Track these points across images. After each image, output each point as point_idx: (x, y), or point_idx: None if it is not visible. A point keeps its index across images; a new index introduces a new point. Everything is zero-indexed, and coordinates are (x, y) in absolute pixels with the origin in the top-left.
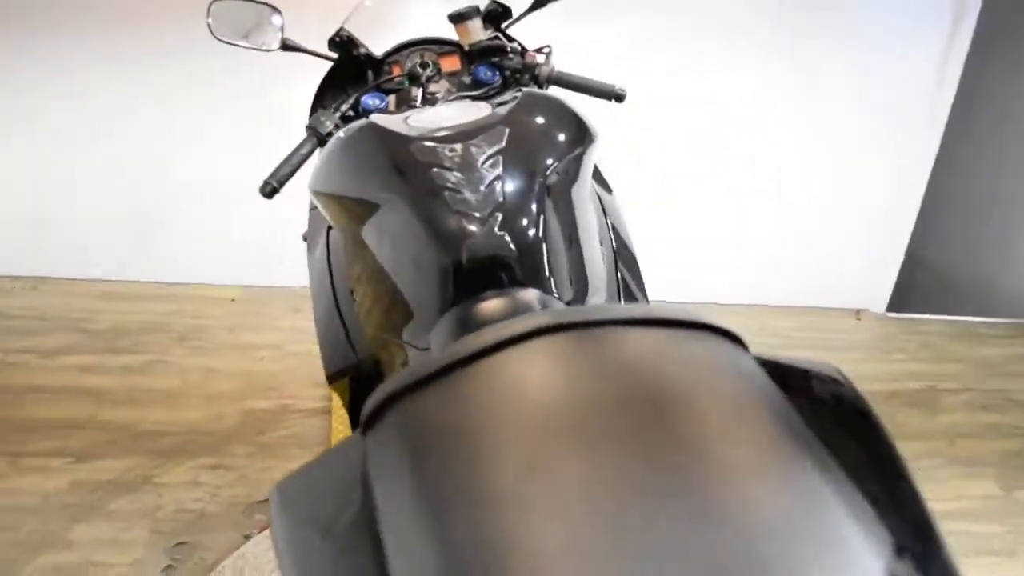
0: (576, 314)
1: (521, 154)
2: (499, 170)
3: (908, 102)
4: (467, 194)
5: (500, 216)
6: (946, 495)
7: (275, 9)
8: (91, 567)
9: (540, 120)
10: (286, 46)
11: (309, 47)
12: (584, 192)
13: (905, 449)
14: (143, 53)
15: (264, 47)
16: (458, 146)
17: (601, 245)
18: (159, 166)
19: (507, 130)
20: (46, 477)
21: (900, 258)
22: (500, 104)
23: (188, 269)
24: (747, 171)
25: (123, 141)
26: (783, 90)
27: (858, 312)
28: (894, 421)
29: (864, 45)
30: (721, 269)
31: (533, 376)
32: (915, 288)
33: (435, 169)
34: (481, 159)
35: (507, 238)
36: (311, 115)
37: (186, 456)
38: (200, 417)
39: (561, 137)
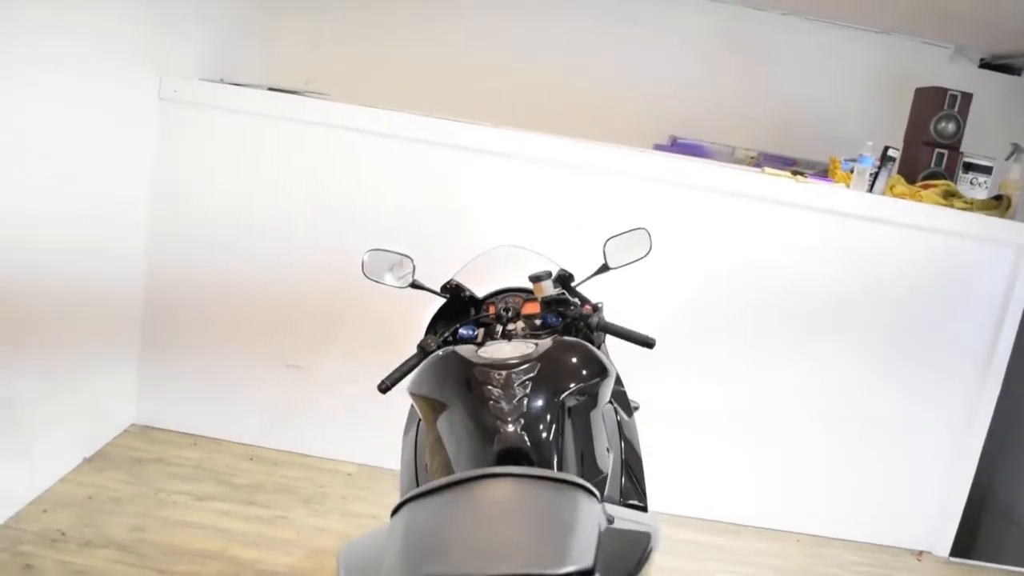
0: (508, 470)
1: (545, 381)
2: (527, 390)
3: (975, 330)
4: (503, 404)
5: (523, 422)
6: None
7: (409, 258)
8: None
9: (565, 358)
10: (414, 285)
11: (430, 287)
12: (597, 411)
13: None
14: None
15: (399, 285)
16: (503, 372)
17: (609, 452)
18: (311, 359)
19: (539, 364)
20: None
21: (963, 498)
22: (542, 345)
23: (319, 444)
24: (811, 404)
25: (283, 339)
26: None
27: (920, 554)
28: None
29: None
30: (783, 496)
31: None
32: (982, 533)
33: (486, 387)
34: (517, 383)
35: (526, 437)
36: (424, 337)
37: None
38: (306, 566)
39: (580, 371)
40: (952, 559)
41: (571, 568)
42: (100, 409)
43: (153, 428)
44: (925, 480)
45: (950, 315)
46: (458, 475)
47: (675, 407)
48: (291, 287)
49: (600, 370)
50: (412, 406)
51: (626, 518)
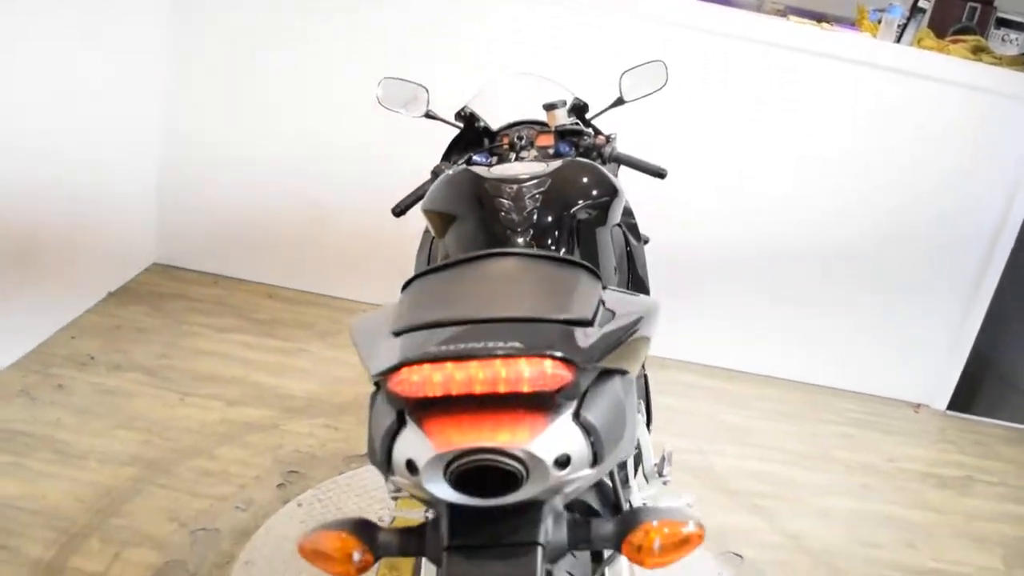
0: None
1: (556, 196)
2: (537, 203)
3: (993, 191)
4: (513, 216)
5: (532, 232)
6: (946, 557)
7: (424, 88)
8: (227, 474)
9: (576, 176)
10: (429, 115)
11: (444, 117)
12: (606, 230)
13: (917, 519)
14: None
15: (413, 115)
16: (515, 186)
17: (616, 273)
18: (332, 200)
19: (550, 180)
20: (204, 412)
21: (965, 357)
22: (553, 164)
23: (337, 285)
24: (824, 260)
25: (307, 174)
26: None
27: (917, 406)
28: (917, 495)
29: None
30: (780, 344)
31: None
32: (980, 391)
33: (497, 199)
34: (527, 196)
35: (534, 245)
36: (437, 164)
37: (307, 416)
38: (323, 391)
39: (590, 188)
40: (949, 412)
41: (570, 316)
42: (122, 248)
43: (174, 267)
44: (928, 336)
45: (969, 174)
46: (466, 255)
47: (680, 254)
48: (313, 126)
49: (610, 189)
50: (426, 229)
51: (627, 299)
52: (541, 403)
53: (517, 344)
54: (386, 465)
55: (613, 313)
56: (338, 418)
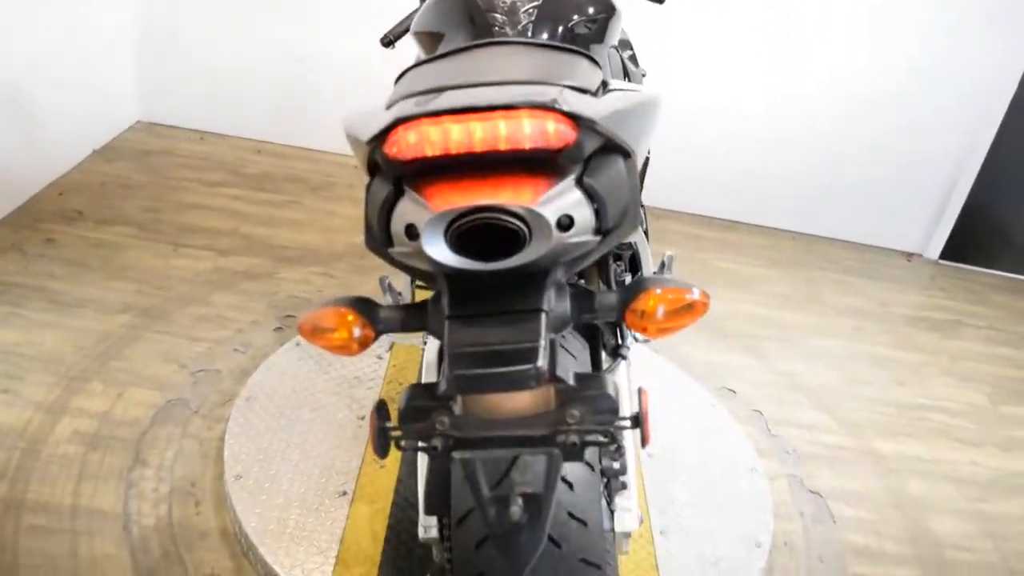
0: (513, 39)
1: (551, 11)
2: (532, 18)
3: (984, 47)
4: (507, 30)
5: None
6: (933, 394)
7: None
8: (223, 319)
9: None
10: None
11: None
12: (602, 48)
13: (906, 359)
14: None
15: None
16: (508, 1)
17: None
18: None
19: None
20: (197, 262)
21: (959, 207)
22: None
23: (326, 139)
24: (813, 103)
25: (287, 23)
26: (855, 18)
27: (910, 255)
28: (908, 338)
29: None
30: (778, 195)
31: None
32: (973, 242)
33: (489, 14)
34: (521, 10)
35: None
36: None
37: (302, 264)
38: (317, 241)
39: (586, 6)
40: (941, 261)
41: (572, 83)
42: (103, 106)
43: (158, 125)
44: (922, 187)
45: (970, 30)
46: (464, 45)
47: (683, 108)
48: None
49: (608, 7)
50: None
51: (629, 85)
52: (544, 165)
53: (519, 97)
54: (384, 236)
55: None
56: (333, 265)
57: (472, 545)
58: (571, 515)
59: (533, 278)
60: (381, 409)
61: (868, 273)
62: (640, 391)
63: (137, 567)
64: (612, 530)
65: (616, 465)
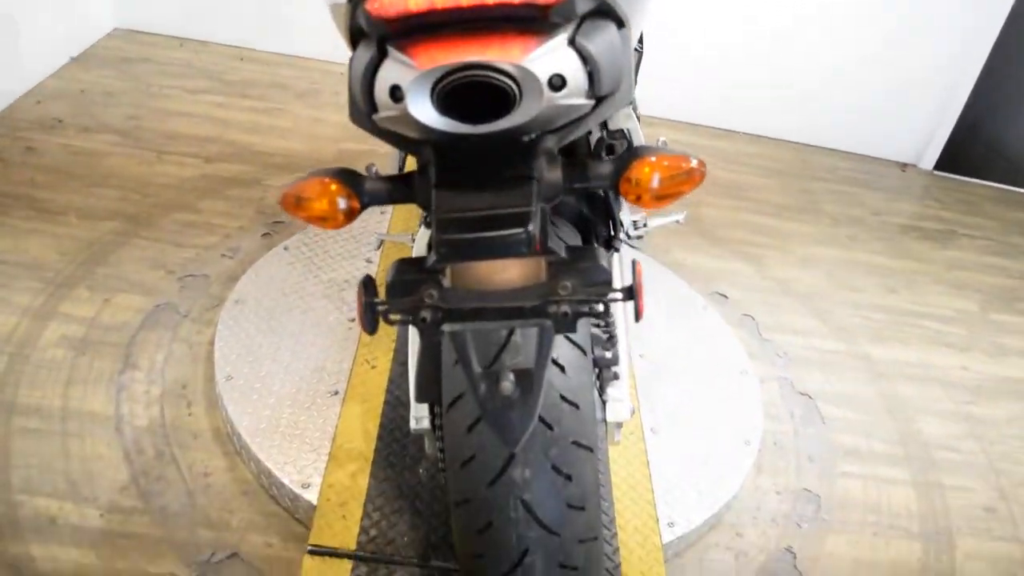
0: None
1: None
2: None
3: None
4: None
5: None
6: (924, 302)
7: None
8: (211, 226)
9: None
10: None
11: None
12: None
13: (899, 267)
14: None
15: None
16: None
17: None
18: None
19: None
20: (182, 169)
21: (955, 118)
22: None
23: (311, 46)
24: (812, 12)
25: None
26: None
27: (904, 165)
28: (902, 247)
29: None
30: (774, 105)
31: None
32: (967, 154)
33: None
34: None
35: None
36: None
37: (289, 170)
38: (304, 148)
39: None
40: (936, 172)
41: None
42: (79, 13)
43: (137, 31)
44: (918, 98)
45: None
46: None
47: (674, 5)
48: None
49: None
50: None
51: None
52: (534, 23)
53: None
54: (368, 103)
55: None
56: None
57: (464, 428)
58: (563, 398)
59: (523, 144)
60: (368, 284)
61: (863, 183)
62: (634, 263)
63: (131, 466)
64: (604, 420)
65: (608, 355)
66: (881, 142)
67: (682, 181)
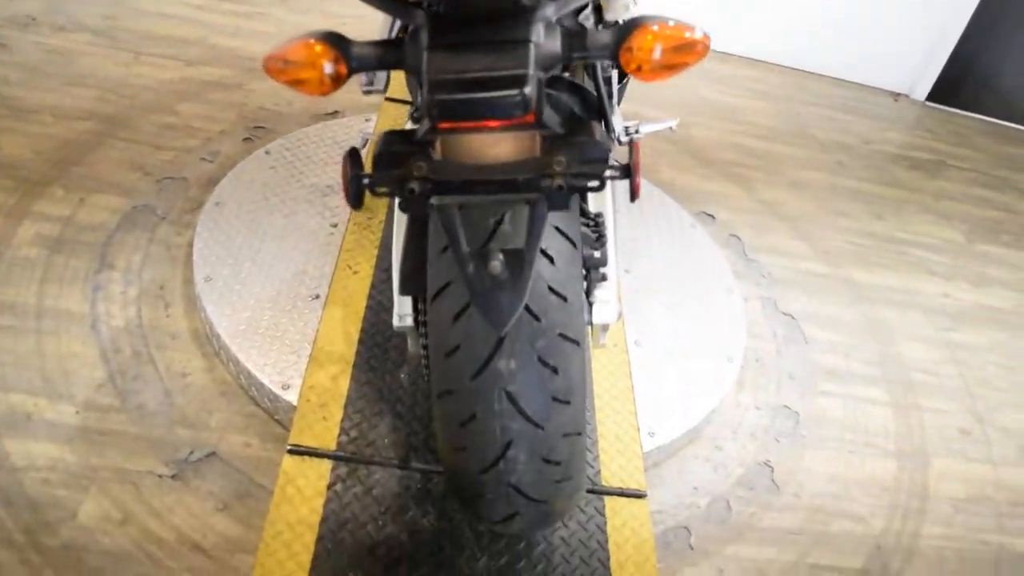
0: None
1: None
2: None
3: None
4: None
5: None
6: (911, 229)
7: None
8: (190, 129)
9: None
10: None
11: None
12: None
13: (887, 195)
14: None
15: None
16: None
17: None
18: None
19: None
20: (161, 71)
21: (949, 50)
22: None
23: None
24: None
25: None
26: None
27: (897, 95)
28: (889, 174)
29: None
30: (770, 29)
31: None
32: (960, 86)
33: None
34: None
35: None
36: None
37: None
38: None
39: None
40: (928, 103)
41: None
42: None
43: None
44: (913, 29)
45: None
46: None
47: None
48: None
49: None
50: None
51: None
52: None
53: None
54: None
55: None
56: None
57: (450, 318)
58: (551, 289)
59: (521, 9)
60: (354, 156)
61: (855, 110)
62: (632, 141)
63: (107, 365)
64: (591, 322)
65: (597, 254)
66: (875, 71)
67: (685, 52)
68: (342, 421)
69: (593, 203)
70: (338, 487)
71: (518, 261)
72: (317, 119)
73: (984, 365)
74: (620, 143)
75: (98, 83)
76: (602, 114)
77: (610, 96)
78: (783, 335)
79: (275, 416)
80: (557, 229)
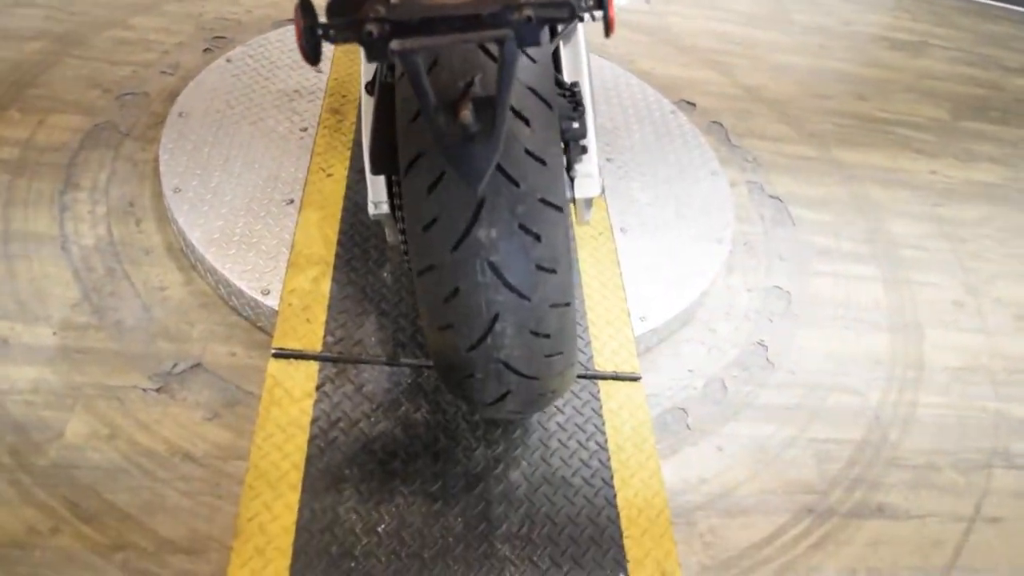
0: None
1: None
2: None
3: None
4: None
5: None
6: (895, 109)
7: None
8: (147, 43)
9: None
10: None
11: None
12: None
13: (869, 76)
14: None
15: None
16: None
17: None
18: None
19: None
20: None
21: None
22: None
23: None
24: None
25: None
26: None
27: None
28: (873, 56)
29: None
30: None
31: None
32: None
33: None
34: None
35: None
36: None
37: None
38: None
39: None
40: None
41: None
42: None
43: None
44: None
45: None
46: None
47: None
48: None
49: None
50: None
51: None
52: None
53: None
54: None
55: None
56: None
57: (424, 189)
58: (528, 152)
59: None
60: (306, 6)
61: None
62: None
63: (81, 284)
64: (573, 198)
65: (575, 125)
66: None
67: None
68: (326, 322)
69: (568, 73)
70: (327, 387)
71: (490, 110)
72: (278, 25)
73: (977, 238)
74: (593, 19)
75: (45, 1)
76: None
77: None
78: (771, 217)
79: (257, 324)
80: (531, 90)
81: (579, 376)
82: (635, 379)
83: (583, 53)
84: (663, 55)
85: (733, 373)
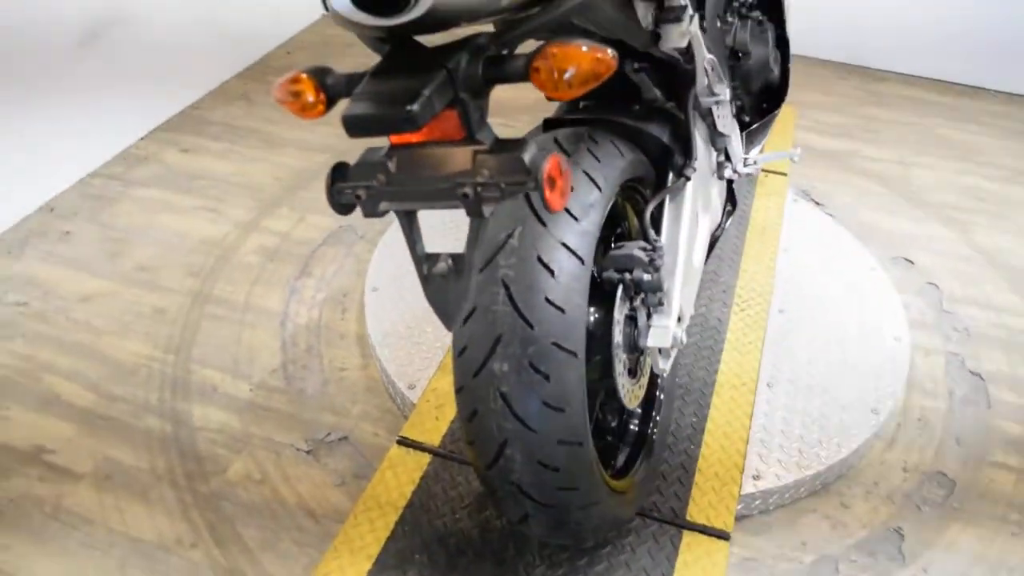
0: None
1: None
2: None
3: None
4: None
5: None
6: None
7: None
8: None
9: None
10: None
11: None
12: None
13: None
14: None
15: None
16: None
17: None
18: None
19: None
20: None
21: None
22: None
23: None
24: None
25: None
26: None
27: None
28: None
29: None
30: None
31: None
32: None
33: None
34: None
35: None
36: None
37: None
38: None
39: None
40: None
41: None
42: None
43: None
44: None
45: None
46: None
47: None
48: None
49: None
50: None
51: None
52: None
53: None
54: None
55: None
56: None
57: (461, 321)
58: (548, 300)
59: (456, 40)
60: (336, 169)
61: None
62: (552, 154)
63: (284, 354)
64: (646, 346)
65: (647, 278)
66: None
67: (587, 71)
68: (452, 422)
69: (666, 229)
70: (429, 479)
71: (461, 263)
72: None
73: None
74: (737, 174)
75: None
76: (687, 141)
77: (714, 126)
78: (962, 396)
79: (404, 412)
80: (563, 245)
81: (665, 522)
82: (723, 536)
83: (686, 214)
84: (893, 207)
85: (852, 557)
